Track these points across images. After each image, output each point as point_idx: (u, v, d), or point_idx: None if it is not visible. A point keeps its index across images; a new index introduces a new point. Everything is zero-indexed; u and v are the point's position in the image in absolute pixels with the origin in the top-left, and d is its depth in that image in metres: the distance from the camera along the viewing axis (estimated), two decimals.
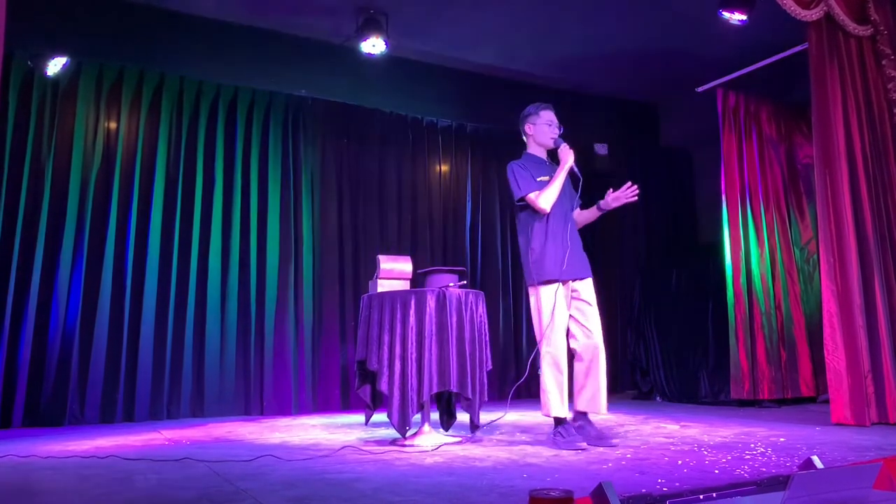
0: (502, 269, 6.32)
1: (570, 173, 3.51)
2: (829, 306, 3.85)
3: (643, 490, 2.14)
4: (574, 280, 3.40)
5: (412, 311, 3.37)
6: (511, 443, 3.38)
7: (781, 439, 3.26)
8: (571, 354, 3.38)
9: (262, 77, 5.28)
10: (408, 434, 3.36)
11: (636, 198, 3.46)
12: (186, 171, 5.10)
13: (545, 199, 3.39)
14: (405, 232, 5.94)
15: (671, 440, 3.34)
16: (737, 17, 4.55)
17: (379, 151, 5.91)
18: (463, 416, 3.94)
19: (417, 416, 3.43)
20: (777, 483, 2.23)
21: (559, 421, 3.34)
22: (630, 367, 6.23)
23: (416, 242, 5.96)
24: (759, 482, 2.25)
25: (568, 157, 3.47)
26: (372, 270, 3.89)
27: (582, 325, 3.37)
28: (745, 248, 5.00)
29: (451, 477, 2.49)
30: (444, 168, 6.27)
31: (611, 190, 3.48)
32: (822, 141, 4.02)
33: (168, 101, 5.09)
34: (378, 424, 4.00)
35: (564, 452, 3.04)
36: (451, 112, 6.16)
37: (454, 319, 3.40)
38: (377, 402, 3.60)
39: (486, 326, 3.61)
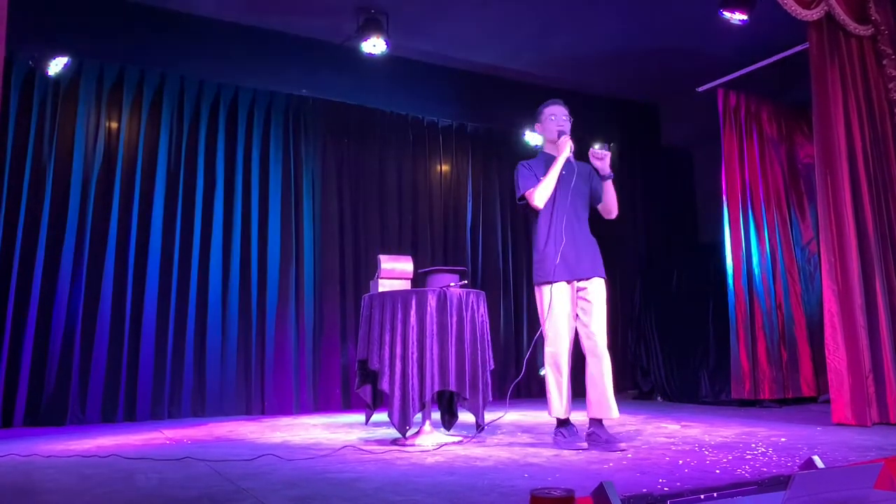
0: (503, 269, 6.32)
1: (583, 169, 3.38)
2: (830, 306, 3.85)
3: (644, 490, 2.14)
4: (579, 280, 3.31)
5: (413, 311, 3.37)
6: (512, 443, 3.38)
7: (782, 439, 3.26)
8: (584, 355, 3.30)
9: (263, 77, 5.28)
10: (409, 434, 3.36)
11: (599, 159, 3.28)
12: (187, 170, 5.11)
13: (536, 195, 3.31)
14: (406, 232, 5.94)
15: (672, 440, 3.34)
16: (737, 17, 4.55)
17: (379, 151, 5.91)
18: (464, 416, 3.94)
19: (418, 416, 3.43)
20: (778, 483, 2.23)
21: (561, 422, 3.34)
22: (631, 366, 6.24)
23: (416, 242, 5.97)
24: (760, 482, 2.25)
25: (562, 150, 3.34)
26: (372, 270, 3.90)
27: (585, 326, 3.29)
28: (746, 248, 5.00)
29: (452, 476, 2.49)
30: (445, 168, 6.27)
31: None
32: (823, 140, 4.02)
33: (169, 100, 5.09)
34: (379, 424, 4.00)
35: (565, 452, 3.03)
36: (452, 112, 6.16)
37: (455, 319, 3.40)
38: (378, 401, 3.61)
39: (488, 326, 3.60)
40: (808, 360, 5.07)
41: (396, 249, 5.75)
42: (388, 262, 3.73)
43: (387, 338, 3.39)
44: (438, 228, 6.13)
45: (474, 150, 6.38)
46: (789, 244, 5.26)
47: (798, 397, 5.01)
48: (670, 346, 5.76)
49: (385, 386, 3.33)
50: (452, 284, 3.50)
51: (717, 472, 2.47)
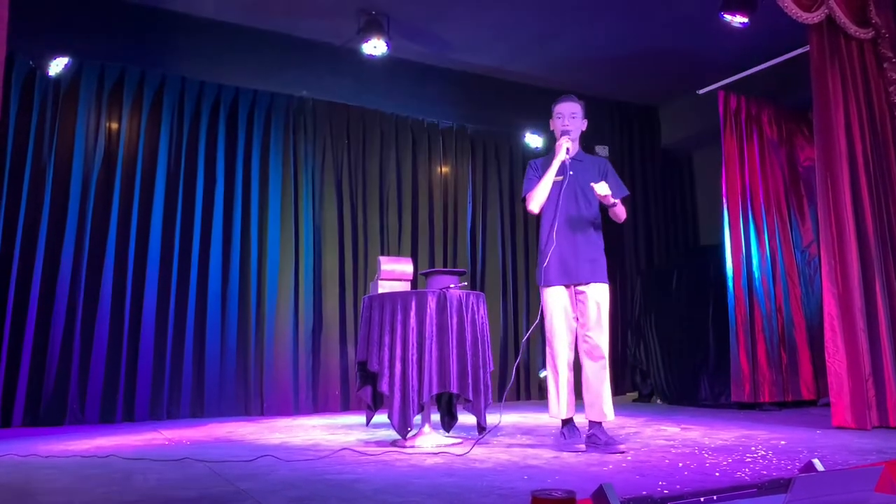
0: (502, 271, 6.32)
1: (590, 167, 3.33)
2: (830, 309, 3.85)
3: (644, 492, 2.14)
4: (578, 284, 3.28)
5: (413, 313, 3.36)
6: (511, 444, 3.38)
7: (782, 442, 3.25)
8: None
9: (264, 78, 5.29)
10: (408, 435, 3.36)
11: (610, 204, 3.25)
12: (187, 171, 5.11)
13: (531, 199, 3.30)
14: (406, 233, 5.94)
15: (671, 442, 3.34)
16: (738, 20, 4.55)
17: (380, 153, 5.91)
18: (464, 418, 3.94)
19: (418, 418, 3.42)
20: (778, 486, 2.22)
21: (563, 422, 3.34)
22: (630, 369, 6.24)
23: (416, 244, 5.97)
24: (760, 485, 2.25)
25: (558, 152, 3.28)
26: (372, 271, 3.90)
27: (582, 329, 3.28)
28: (746, 251, 5.01)
29: (451, 478, 2.48)
30: (445, 169, 6.28)
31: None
32: (824, 143, 4.02)
33: (169, 101, 5.09)
34: (378, 425, 4.00)
35: (565, 454, 3.03)
36: (452, 113, 6.16)
37: (455, 320, 3.40)
38: (378, 403, 3.60)
39: (488, 327, 3.60)
40: (807, 363, 5.07)
41: (396, 251, 5.76)
42: (388, 264, 3.73)
43: (386, 339, 3.38)
44: (438, 230, 6.13)
45: (474, 152, 6.38)
46: (789, 247, 5.26)
47: (798, 400, 5.01)
48: (670, 349, 5.75)
49: (384, 387, 3.33)
50: (452, 286, 3.50)
51: (717, 474, 2.47)
